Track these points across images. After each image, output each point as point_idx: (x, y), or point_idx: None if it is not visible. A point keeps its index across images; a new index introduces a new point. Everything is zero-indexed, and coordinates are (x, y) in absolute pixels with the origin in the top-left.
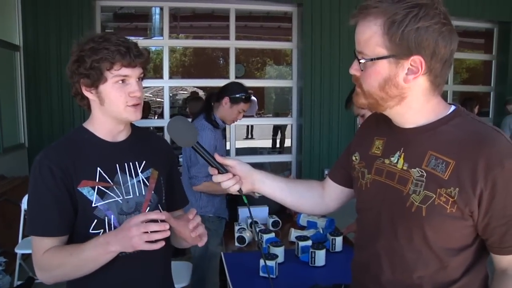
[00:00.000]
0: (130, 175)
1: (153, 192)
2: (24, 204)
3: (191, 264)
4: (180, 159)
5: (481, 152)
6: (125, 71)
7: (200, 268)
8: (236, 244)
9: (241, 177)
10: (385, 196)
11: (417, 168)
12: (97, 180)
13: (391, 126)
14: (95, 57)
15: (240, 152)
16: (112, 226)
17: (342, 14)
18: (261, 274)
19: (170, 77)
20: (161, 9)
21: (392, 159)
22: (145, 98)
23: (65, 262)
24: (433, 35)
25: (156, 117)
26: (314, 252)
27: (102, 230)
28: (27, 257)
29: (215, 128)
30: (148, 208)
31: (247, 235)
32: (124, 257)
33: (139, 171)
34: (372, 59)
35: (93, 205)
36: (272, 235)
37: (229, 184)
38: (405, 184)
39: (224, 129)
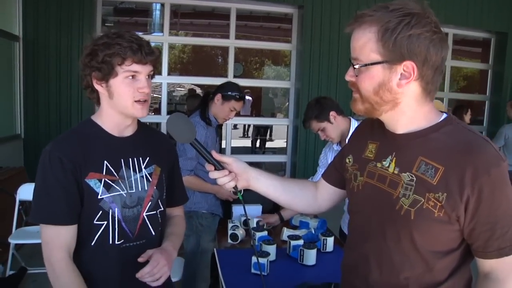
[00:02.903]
0: (134, 170)
1: (155, 187)
2: (19, 195)
3: (183, 259)
4: None
5: (469, 160)
6: (135, 67)
7: (192, 264)
8: (229, 241)
9: (237, 174)
10: (376, 198)
11: (407, 173)
12: (103, 173)
13: (384, 131)
14: (107, 52)
15: (236, 151)
16: (116, 218)
17: (342, 18)
18: (252, 271)
19: (169, 74)
20: (162, 5)
21: (384, 163)
22: None
23: None
24: (425, 42)
25: (152, 113)
26: (303, 250)
27: (105, 222)
28: (20, 247)
29: (208, 126)
30: (150, 203)
31: (240, 232)
32: (124, 249)
33: (142, 167)
34: (366, 65)
35: (99, 197)
36: (265, 233)
37: (225, 181)
38: (396, 187)
39: (220, 127)
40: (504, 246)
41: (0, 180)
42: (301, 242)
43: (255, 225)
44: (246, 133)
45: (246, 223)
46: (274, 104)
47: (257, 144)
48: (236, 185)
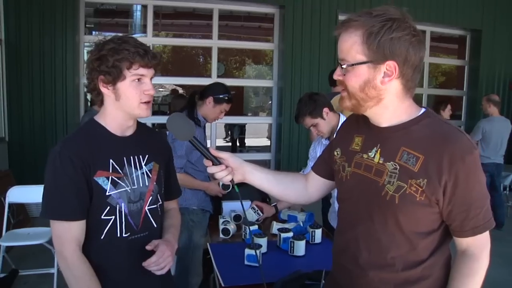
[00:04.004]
0: (135, 167)
1: (155, 183)
2: (8, 198)
3: (175, 255)
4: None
5: (446, 149)
6: (142, 71)
7: (184, 259)
8: (221, 235)
9: (233, 168)
10: (363, 186)
11: (391, 162)
12: (110, 171)
13: (369, 125)
14: (117, 57)
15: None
16: (123, 213)
17: (323, 17)
18: (246, 262)
19: None
20: (144, 6)
21: (370, 154)
22: None
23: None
24: (405, 44)
25: None
26: (293, 242)
27: (113, 217)
28: (9, 250)
29: (196, 125)
30: (151, 197)
31: (231, 227)
32: (131, 241)
33: (143, 164)
34: (353, 64)
35: (107, 193)
36: (255, 227)
37: (222, 175)
38: (381, 176)
39: (204, 127)
40: (478, 225)
41: None
42: (290, 234)
43: (254, 216)
44: (231, 134)
45: (237, 218)
46: (255, 103)
47: (237, 143)
48: (232, 179)
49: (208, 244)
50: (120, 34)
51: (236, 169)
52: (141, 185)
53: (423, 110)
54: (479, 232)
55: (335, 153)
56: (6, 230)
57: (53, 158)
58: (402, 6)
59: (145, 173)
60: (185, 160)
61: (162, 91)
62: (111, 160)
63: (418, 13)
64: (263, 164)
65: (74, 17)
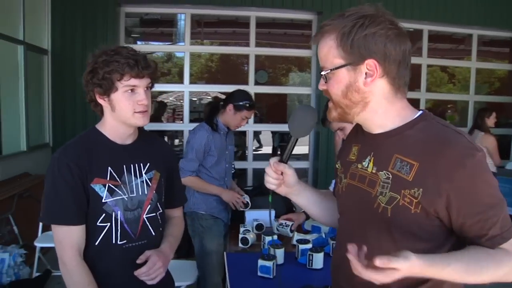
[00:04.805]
0: (135, 176)
1: (154, 192)
2: None
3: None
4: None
5: (443, 154)
6: (133, 81)
7: (200, 265)
8: (240, 245)
9: (286, 183)
10: (357, 198)
11: (384, 171)
12: (107, 179)
13: (364, 133)
14: (107, 69)
15: (257, 157)
16: (119, 220)
17: None
18: (259, 274)
19: (194, 82)
20: (185, 15)
21: (364, 163)
22: (170, 103)
23: None
24: (381, 39)
25: (182, 122)
26: (312, 254)
27: (108, 224)
28: (47, 251)
29: (213, 131)
30: (149, 206)
31: (250, 236)
32: (127, 248)
33: (143, 172)
34: (331, 70)
35: (103, 200)
36: (275, 237)
37: (272, 181)
38: (374, 186)
39: (244, 134)
40: (496, 235)
41: (29, 186)
42: (309, 246)
43: (286, 230)
44: (272, 142)
45: (259, 227)
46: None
47: (278, 151)
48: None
49: (224, 253)
50: (117, 45)
51: (289, 186)
52: (140, 193)
53: (419, 112)
54: (498, 243)
55: (337, 166)
56: (45, 231)
57: (52, 165)
58: (446, 10)
59: (144, 181)
60: (197, 163)
61: (208, 98)
62: (109, 168)
63: (463, 16)
64: (302, 172)
65: (115, 27)
